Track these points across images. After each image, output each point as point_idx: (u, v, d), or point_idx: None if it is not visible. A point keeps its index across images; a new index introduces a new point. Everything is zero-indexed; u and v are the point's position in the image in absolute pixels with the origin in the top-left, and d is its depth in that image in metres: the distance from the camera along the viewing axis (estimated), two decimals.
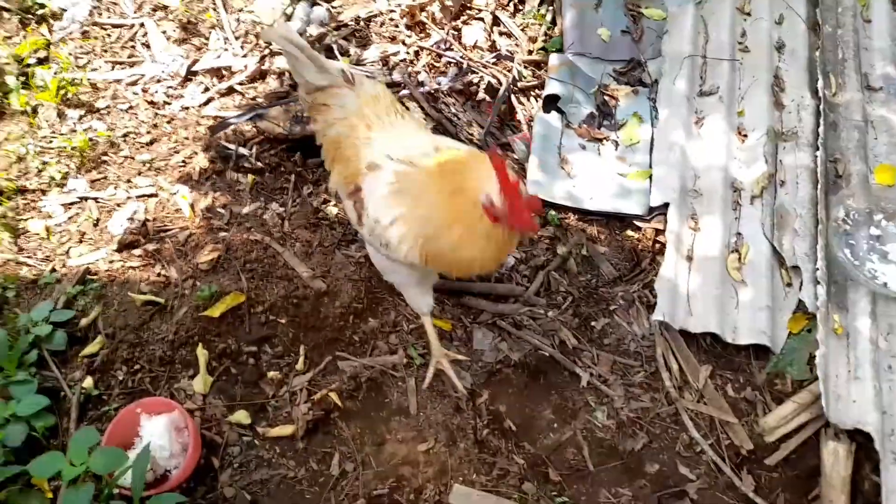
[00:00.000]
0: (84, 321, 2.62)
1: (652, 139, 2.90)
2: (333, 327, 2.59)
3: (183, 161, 3.13)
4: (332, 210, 2.96)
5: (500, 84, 3.15)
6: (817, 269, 2.31)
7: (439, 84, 3.14)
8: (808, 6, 3.09)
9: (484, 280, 2.66)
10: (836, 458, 2.02)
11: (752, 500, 2.05)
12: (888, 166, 2.61)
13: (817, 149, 2.60)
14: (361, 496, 2.20)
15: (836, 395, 2.11)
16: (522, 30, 3.47)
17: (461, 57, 3.22)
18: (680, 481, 2.14)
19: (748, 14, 3.14)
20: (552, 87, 3.03)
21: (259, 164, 3.05)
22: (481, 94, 3.17)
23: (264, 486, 2.27)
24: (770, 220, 2.53)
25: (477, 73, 3.21)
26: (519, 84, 3.19)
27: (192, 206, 3.02)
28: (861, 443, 2.08)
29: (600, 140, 2.98)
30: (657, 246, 2.65)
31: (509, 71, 3.19)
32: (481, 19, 3.47)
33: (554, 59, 3.18)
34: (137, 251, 2.88)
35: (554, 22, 3.42)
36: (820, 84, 2.77)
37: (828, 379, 2.12)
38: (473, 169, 1.81)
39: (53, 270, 2.76)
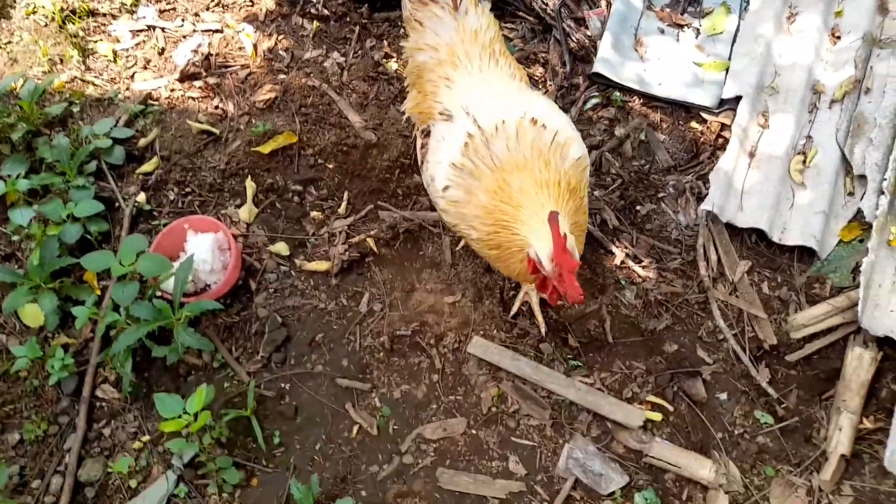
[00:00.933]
0: (143, 141, 2.75)
1: (737, 30, 2.74)
2: (379, 178, 2.65)
3: (250, 0, 3.13)
4: (392, 66, 2.94)
5: None
6: (885, 179, 2.21)
7: None
8: None
9: None
10: (859, 363, 2.01)
11: (765, 391, 2.07)
12: None
13: None
14: (385, 334, 2.32)
15: (874, 304, 2.07)
16: None
17: None
18: (696, 363, 2.17)
19: None
20: None
21: (325, 11, 3.03)
22: None
23: (295, 312, 2.41)
24: (846, 127, 2.40)
25: None
26: None
27: (255, 45, 3.05)
28: (888, 354, 2.05)
29: (681, 26, 2.83)
30: (720, 140, 2.57)
31: None
32: None
33: None
34: (198, 83, 2.96)
35: None
36: None
37: (870, 286, 2.08)
38: (529, 220, 1.65)
39: (118, 92, 2.86)
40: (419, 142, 2.07)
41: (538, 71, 2.86)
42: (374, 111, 2.80)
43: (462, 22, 1.96)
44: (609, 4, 2.90)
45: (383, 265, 2.48)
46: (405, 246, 2.52)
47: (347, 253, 2.48)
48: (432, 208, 2.55)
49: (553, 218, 1.54)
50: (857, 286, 2.06)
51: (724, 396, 2.13)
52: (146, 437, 2.19)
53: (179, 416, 2.01)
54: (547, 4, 2.94)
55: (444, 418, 2.19)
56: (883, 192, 2.19)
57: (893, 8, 2.63)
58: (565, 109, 2.75)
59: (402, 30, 2.88)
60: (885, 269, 2.13)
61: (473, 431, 2.16)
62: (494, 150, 1.74)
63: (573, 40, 2.84)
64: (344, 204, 2.61)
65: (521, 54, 2.84)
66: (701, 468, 1.96)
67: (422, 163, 2.01)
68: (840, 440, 1.95)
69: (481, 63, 1.94)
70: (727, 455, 2.02)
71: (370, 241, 2.50)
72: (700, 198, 2.38)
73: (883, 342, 2.05)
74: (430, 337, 2.32)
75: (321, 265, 2.49)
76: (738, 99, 2.52)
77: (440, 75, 1.95)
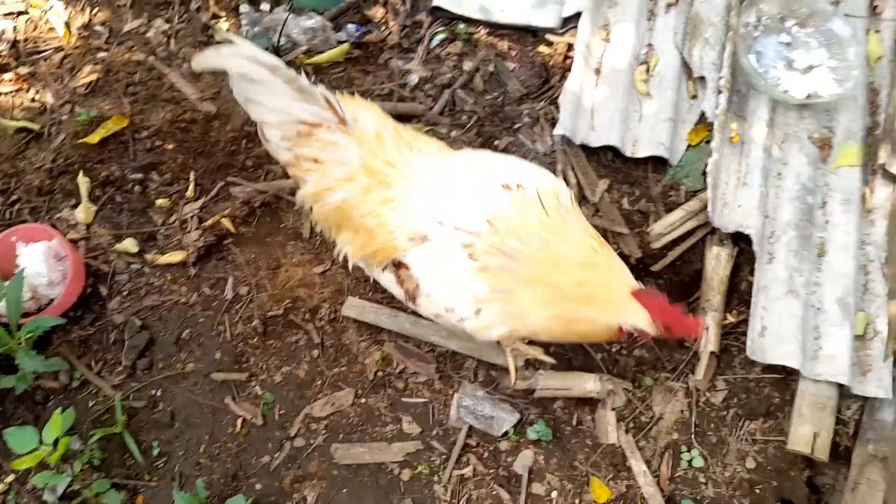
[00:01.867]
0: None
1: None
2: (225, 152, 2.48)
3: None
4: (222, 26, 2.71)
5: None
6: (721, 77, 2.24)
7: None
8: None
9: (386, 99, 2.53)
10: (717, 262, 2.08)
11: None
12: None
13: None
14: (256, 317, 2.22)
15: (723, 201, 2.14)
16: None
17: None
18: None
19: None
20: None
21: None
22: None
23: (155, 311, 2.26)
24: (683, 29, 2.41)
25: None
26: None
27: (66, 24, 2.76)
28: (742, 248, 2.14)
29: None
30: (568, 62, 2.53)
31: None
32: None
33: None
34: (8, 75, 2.67)
35: None
36: None
37: (717, 185, 2.13)
38: (606, 304, 1.52)
39: None
40: (388, 277, 1.74)
41: (379, 12, 2.71)
42: (209, 79, 2.60)
43: (359, 132, 1.65)
44: None
45: (244, 245, 2.35)
46: (264, 220, 2.38)
47: (203, 238, 2.33)
48: (286, 176, 2.41)
49: (640, 295, 1.48)
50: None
51: None
52: (10, 478, 2.01)
53: (36, 449, 1.85)
54: None
55: (330, 393, 2.13)
56: (721, 91, 2.23)
57: None
58: (411, 49, 2.64)
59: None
60: (729, 166, 2.19)
61: (363, 400, 2.12)
62: (510, 252, 1.54)
63: None
64: (191, 186, 2.43)
65: None
66: (586, 383, 2.01)
67: (409, 300, 1.73)
68: (708, 339, 2.03)
69: (407, 161, 1.65)
70: (609, 374, 2.07)
71: (226, 222, 2.35)
72: (554, 123, 2.35)
73: (736, 238, 2.13)
74: (305, 312, 2.23)
75: (176, 256, 2.32)
76: (580, 15, 2.48)
77: (375, 202, 1.65)
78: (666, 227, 2.15)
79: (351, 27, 2.65)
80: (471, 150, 1.77)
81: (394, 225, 1.64)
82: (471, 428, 2.04)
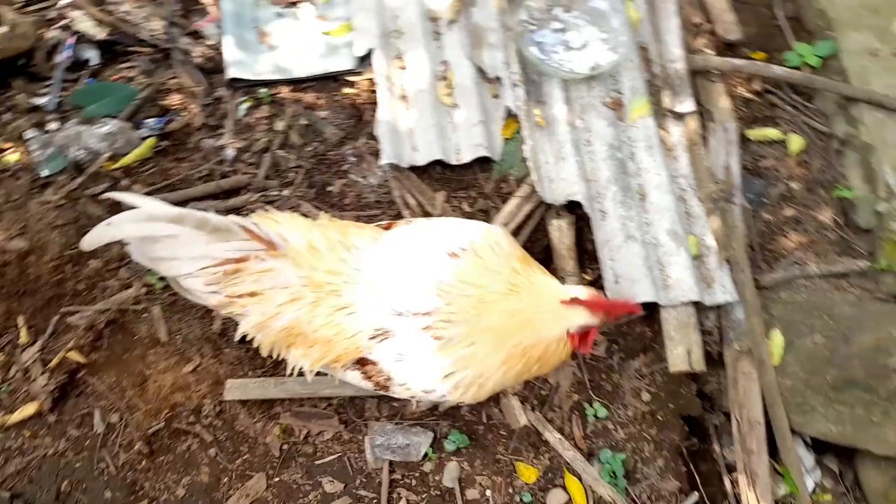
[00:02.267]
0: None
1: None
2: (50, 284, 2.31)
3: None
4: (11, 158, 2.54)
5: None
6: (513, 73, 2.45)
7: None
8: None
9: (207, 180, 2.49)
10: (560, 232, 2.25)
11: None
12: None
13: None
14: (137, 440, 2.07)
15: (548, 179, 2.32)
16: None
17: None
18: None
19: None
20: None
21: None
22: None
23: (22, 475, 2.05)
24: (468, 41, 2.61)
25: None
26: None
27: None
28: (579, 214, 2.32)
29: (295, 3, 2.82)
30: (375, 96, 2.63)
31: None
32: None
33: None
34: None
35: None
36: None
37: (539, 167, 2.31)
38: (547, 312, 1.53)
39: None
40: (353, 374, 1.66)
41: (175, 99, 2.67)
42: (11, 215, 2.41)
43: (292, 250, 1.56)
44: (217, 6, 2.79)
45: (100, 371, 2.19)
46: (115, 339, 2.24)
47: (52, 381, 2.15)
48: (126, 287, 2.29)
49: (573, 302, 1.49)
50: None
51: None
52: None
53: None
54: (156, 30, 2.74)
55: (241, 485, 2.02)
56: (516, 85, 2.43)
57: None
58: (220, 126, 2.62)
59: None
60: (543, 147, 2.39)
61: (276, 479, 2.04)
62: (453, 319, 1.52)
63: (197, 56, 2.69)
64: (23, 331, 2.23)
65: (150, 90, 2.62)
66: None
67: (381, 389, 1.67)
68: None
69: (348, 263, 1.59)
70: None
71: (73, 355, 2.18)
72: (378, 155, 2.43)
73: (570, 207, 2.31)
74: (188, 415, 2.11)
75: (28, 409, 2.12)
76: (372, 52, 2.60)
77: (327, 313, 1.57)
78: (507, 216, 2.28)
79: (151, 121, 2.59)
80: (402, 224, 1.72)
81: (354, 330, 1.57)
82: (391, 463, 2.03)
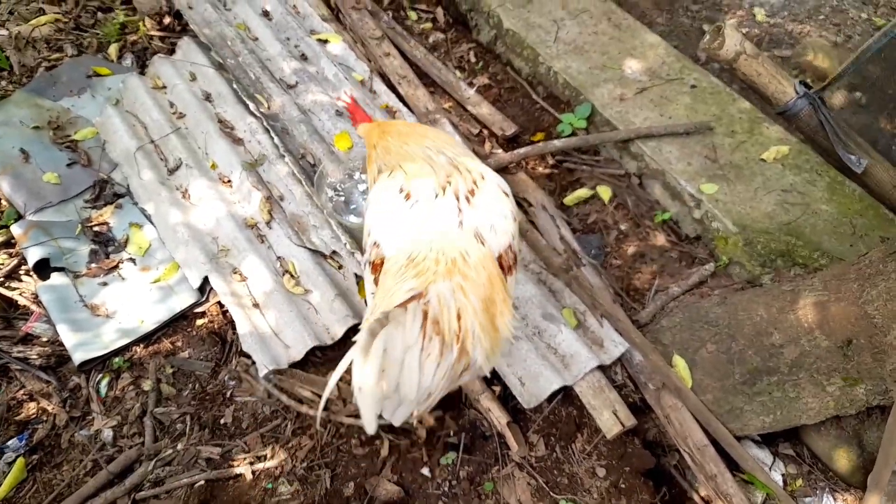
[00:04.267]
0: None
1: (159, 235, 2.89)
2: None
3: None
4: None
5: None
6: (345, 243, 2.61)
7: None
8: (204, 54, 3.41)
9: (95, 472, 2.34)
10: None
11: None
12: (340, 135, 3.08)
13: (283, 157, 2.92)
14: None
15: None
16: None
17: None
18: None
19: (162, 87, 3.33)
20: (33, 255, 2.78)
21: None
22: None
23: None
24: (292, 230, 2.76)
25: None
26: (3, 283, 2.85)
27: None
28: None
29: (115, 267, 2.85)
30: (228, 315, 2.67)
31: None
32: None
33: (17, 228, 2.91)
34: None
35: None
36: (252, 106, 3.10)
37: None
38: None
39: None
40: None
41: (31, 408, 2.54)
42: None
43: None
44: (39, 303, 2.75)
45: None
46: None
47: None
48: None
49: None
50: None
51: None
52: None
53: None
54: None
55: None
56: (352, 251, 2.59)
57: (242, 135, 3.13)
58: (85, 413, 2.52)
59: None
60: None
61: None
62: None
63: (36, 357, 2.61)
64: None
65: None
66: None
67: None
68: (495, 417, 2.23)
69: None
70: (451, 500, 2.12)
71: None
72: (255, 369, 2.43)
73: None
74: None
75: None
76: (207, 278, 2.67)
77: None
78: None
79: (12, 442, 2.44)
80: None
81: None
82: None
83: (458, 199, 1.79)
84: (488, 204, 1.80)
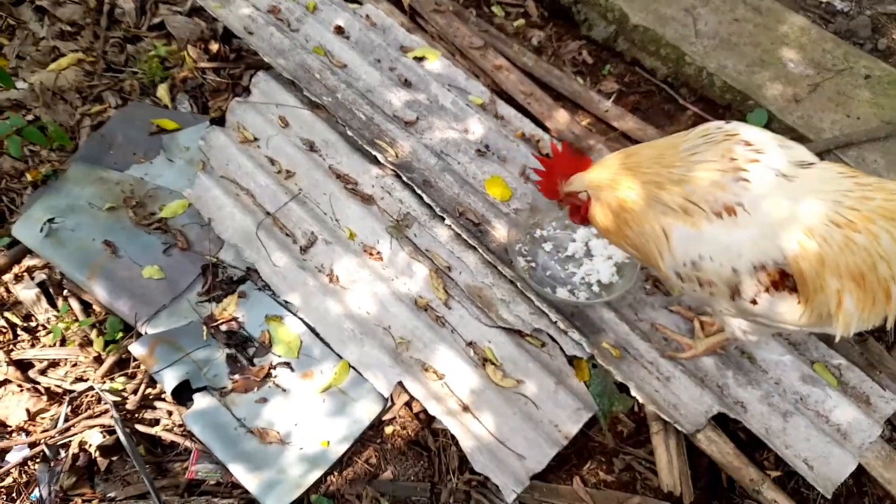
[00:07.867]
0: None
1: (307, 325, 2.51)
2: None
3: None
4: None
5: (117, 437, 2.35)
6: (553, 319, 2.30)
7: None
8: (288, 91, 2.94)
9: None
10: (715, 444, 2.09)
11: None
12: (492, 180, 2.71)
13: (442, 218, 2.54)
14: None
15: (668, 404, 2.17)
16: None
17: None
18: None
19: (254, 141, 2.85)
20: (170, 380, 2.37)
21: None
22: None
23: None
24: (475, 307, 2.43)
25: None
26: (135, 415, 2.43)
27: None
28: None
29: (267, 377, 2.46)
30: (423, 416, 2.35)
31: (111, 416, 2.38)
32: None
33: (138, 348, 2.47)
34: None
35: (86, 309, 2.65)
36: (377, 155, 2.68)
37: (650, 395, 2.16)
38: None
39: None
40: None
41: None
42: None
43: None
44: (194, 439, 2.37)
45: None
46: None
47: None
48: None
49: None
50: None
51: None
52: None
53: None
54: None
55: None
56: (563, 331, 2.28)
57: (373, 192, 2.71)
58: None
59: None
60: (636, 372, 2.25)
61: None
62: None
63: None
64: None
65: None
66: None
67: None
68: None
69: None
70: None
71: None
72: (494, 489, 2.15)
73: None
74: None
75: None
76: (400, 383, 2.32)
77: None
78: (666, 470, 2.10)
79: None
80: None
81: None
82: None
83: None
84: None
